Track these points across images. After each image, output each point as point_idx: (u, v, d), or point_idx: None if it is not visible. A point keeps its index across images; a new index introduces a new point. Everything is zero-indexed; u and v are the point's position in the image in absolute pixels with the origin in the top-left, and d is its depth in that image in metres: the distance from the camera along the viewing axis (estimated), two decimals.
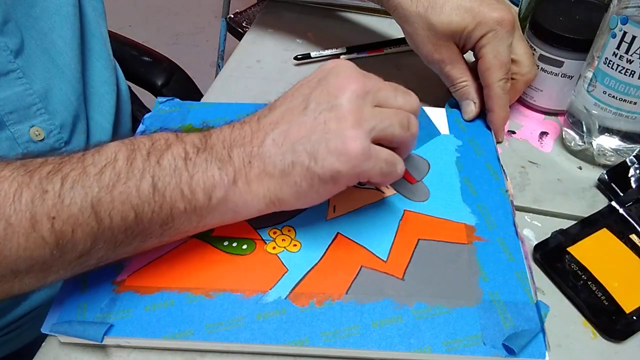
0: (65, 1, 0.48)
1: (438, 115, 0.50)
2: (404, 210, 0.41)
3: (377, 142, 0.35)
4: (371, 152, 0.34)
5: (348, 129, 0.34)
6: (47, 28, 0.48)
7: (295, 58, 0.60)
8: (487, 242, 0.39)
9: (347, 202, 0.42)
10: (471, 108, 0.49)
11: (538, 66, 0.51)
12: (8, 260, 0.30)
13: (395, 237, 0.39)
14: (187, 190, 0.33)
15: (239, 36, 1.40)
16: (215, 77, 0.59)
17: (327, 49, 0.60)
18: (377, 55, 0.61)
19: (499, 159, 0.46)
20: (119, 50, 0.57)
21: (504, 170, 0.45)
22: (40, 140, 0.47)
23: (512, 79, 0.48)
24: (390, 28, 0.65)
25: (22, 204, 0.30)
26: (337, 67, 0.36)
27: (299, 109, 0.35)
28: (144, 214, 0.32)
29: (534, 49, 0.50)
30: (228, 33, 1.46)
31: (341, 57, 0.59)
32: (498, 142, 0.48)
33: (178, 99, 0.51)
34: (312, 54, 0.60)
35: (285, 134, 0.35)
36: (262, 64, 0.60)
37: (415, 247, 0.39)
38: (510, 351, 0.33)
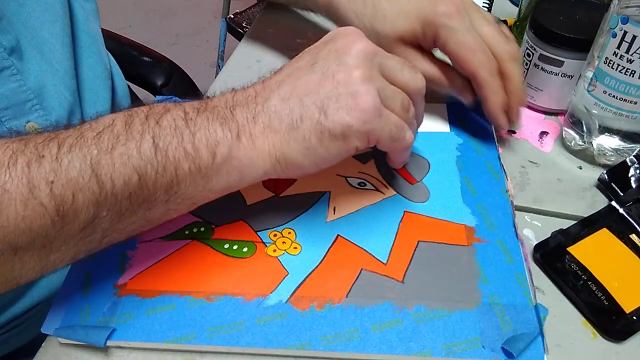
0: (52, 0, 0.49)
1: (437, 112, 0.50)
2: (404, 212, 0.41)
3: None
4: (382, 111, 0.34)
5: (358, 84, 0.33)
6: (38, 25, 0.48)
7: None
8: (487, 243, 0.39)
9: (347, 203, 0.42)
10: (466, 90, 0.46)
11: (538, 66, 0.51)
12: (6, 231, 0.28)
13: (395, 239, 0.39)
14: (190, 148, 0.32)
15: (239, 36, 1.40)
16: (215, 77, 0.59)
17: None
18: None
19: (499, 158, 0.46)
20: (119, 50, 0.57)
21: (504, 170, 0.45)
22: None
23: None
24: None
25: (17, 169, 0.28)
26: (345, 29, 0.36)
27: (307, 67, 0.35)
28: (148, 176, 0.31)
29: (534, 49, 0.50)
30: (228, 33, 1.45)
31: None
32: (500, 132, 0.46)
33: (177, 98, 0.51)
34: None
35: (292, 90, 0.34)
36: (262, 64, 0.60)
37: (415, 250, 0.39)
38: (509, 354, 0.33)
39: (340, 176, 0.44)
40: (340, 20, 0.49)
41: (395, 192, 0.43)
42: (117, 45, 0.77)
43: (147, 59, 0.80)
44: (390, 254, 0.38)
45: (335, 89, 0.33)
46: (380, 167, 0.45)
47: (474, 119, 0.49)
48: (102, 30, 0.59)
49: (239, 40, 0.67)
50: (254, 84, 0.36)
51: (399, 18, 0.44)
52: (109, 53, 0.60)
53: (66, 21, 0.50)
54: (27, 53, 0.47)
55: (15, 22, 0.46)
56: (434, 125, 0.49)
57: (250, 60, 0.60)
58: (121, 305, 0.35)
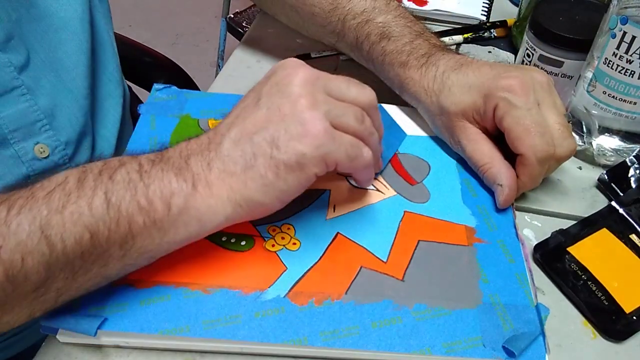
0: (72, 16, 0.48)
1: (401, 115, 0.50)
2: (404, 212, 0.41)
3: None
4: (334, 133, 0.33)
5: (304, 112, 0.33)
6: (54, 44, 0.47)
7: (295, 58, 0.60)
8: (487, 244, 0.39)
9: (347, 202, 0.42)
10: (499, 192, 0.42)
11: (538, 66, 0.51)
12: None
13: (395, 238, 0.39)
14: (143, 201, 0.31)
15: (239, 36, 1.40)
16: (215, 77, 0.59)
17: (327, 49, 0.60)
18: None
19: None
20: (119, 50, 0.57)
21: None
22: (45, 158, 0.46)
23: None
24: None
25: None
26: (285, 62, 0.36)
27: (253, 105, 0.35)
28: (100, 233, 0.30)
29: (534, 49, 0.50)
30: (228, 33, 1.46)
31: (341, 57, 0.59)
32: (501, 207, 0.42)
33: (175, 87, 0.51)
34: (312, 54, 0.60)
35: (242, 131, 0.34)
36: (262, 64, 0.60)
37: (415, 249, 0.39)
38: (510, 354, 0.33)
39: (341, 175, 0.44)
40: (411, 97, 0.47)
41: (395, 193, 0.43)
42: (117, 45, 0.77)
43: (147, 59, 0.80)
44: (390, 252, 0.38)
45: (282, 121, 0.33)
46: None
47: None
48: None
49: (239, 40, 0.67)
50: (207, 132, 0.36)
51: (463, 91, 0.43)
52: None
53: (85, 38, 0.49)
54: (39, 71, 0.46)
55: (30, 39, 0.45)
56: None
57: (250, 60, 0.60)
58: (114, 295, 0.35)
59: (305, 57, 0.59)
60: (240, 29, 1.42)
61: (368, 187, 0.43)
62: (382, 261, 0.38)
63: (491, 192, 0.43)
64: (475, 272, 0.37)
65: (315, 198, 0.42)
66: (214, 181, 0.33)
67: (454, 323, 0.34)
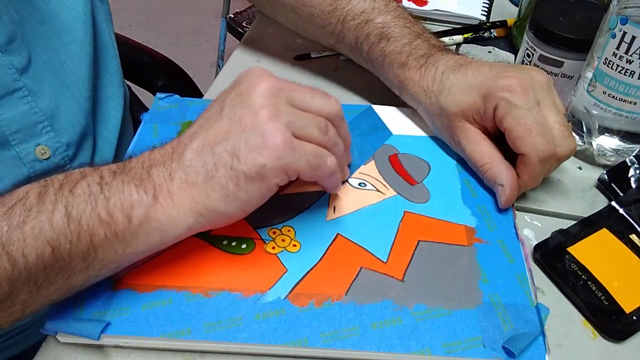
0: (75, 19, 0.48)
1: (389, 114, 0.50)
2: (404, 212, 0.41)
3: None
4: (294, 144, 0.33)
5: (265, 123, 0.33)
6: (56, 47, 0.47)
7: (295, 58, 0.60)
8: (487, 244, 0.39)
9: (347, 203, 0.42)
10: (500, 192, 0.41)
11: (537, 66, 0.51)
12: None
13: (395, 238, 0.39)
14: (104, 214, 0.32)
15: (239, 36, 1.40)
16: (215, 77, 0.59)
17: (327, 49, 0.60)
18: None
19: None
20: (119, 50, 0.57)
21: None
22: (46, 159, 0.47)
23: None
24: None
25: None
26: (250, 71, 0.36)
27: (216, 115, 0.35)
28: (61, 247, 0.31)
29: (534, 49, 0.50)
30: (228, 33, 1.46)
31: (341, 57, 0.59)
32: (503, 207, 0.42)
33: (177, 95, 0.51)
34: (312, 54, 0.60)
35: (204, 141, 0.34)
36: (262, 64, 0.60)
37: (415, 249, 0.39)
38: (510, 354, 0.33)
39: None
40: (411, 98, 0.47)
41: (395, 193, 0.43)
42: (117, 45, 0.77)
43: (147, 59, 0.80)
44: (390, 252, 0.38)
45: (243, 132, 0.33)
46: (381, 168, 0.45)
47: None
48: None
49: (239, 40, 0.67)
50: (171, 141, 0.36)
51: (463, 92, 0.43)
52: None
53: (87, 41, 0.49)
54: (41, 74, 0.46)
55: (32, 41, 0.45)
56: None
57: (250, 60, 0.60)
58: (116, 299, 0.35)
59: (305, 57, 0.60)
60: (240, 29, 1.42)
61: (369, 189, 0.43)
62: (382, 261, 0.38)
63: (491, 192, 0.43)
64: (475, 272, 0.37)
65: (315, 200, 0.42)
66: (175, 191, 0.33)
67: (454, 323, 0.34)
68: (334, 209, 0.41)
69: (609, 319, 0.37)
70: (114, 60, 0.55)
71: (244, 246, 0.39)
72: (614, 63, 0.43)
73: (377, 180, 0.44)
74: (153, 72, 0.79)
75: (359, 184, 0.43)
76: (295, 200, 0.42)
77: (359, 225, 0.40)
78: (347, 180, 0.43)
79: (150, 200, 0.33)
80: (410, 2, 0.67)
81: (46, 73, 0.47)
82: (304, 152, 0.34)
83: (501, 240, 0.39)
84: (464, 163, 0.45)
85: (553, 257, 0.40)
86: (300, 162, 0.34)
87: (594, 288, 0.38)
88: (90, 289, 0.36)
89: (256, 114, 0.33)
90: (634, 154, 0.45)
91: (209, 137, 0.34)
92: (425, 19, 0.66)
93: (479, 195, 0.43)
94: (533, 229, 0.43)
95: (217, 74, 0.96)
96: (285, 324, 0.34)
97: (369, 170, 0.45)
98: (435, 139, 0.48)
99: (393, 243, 0.39)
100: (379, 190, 0.43)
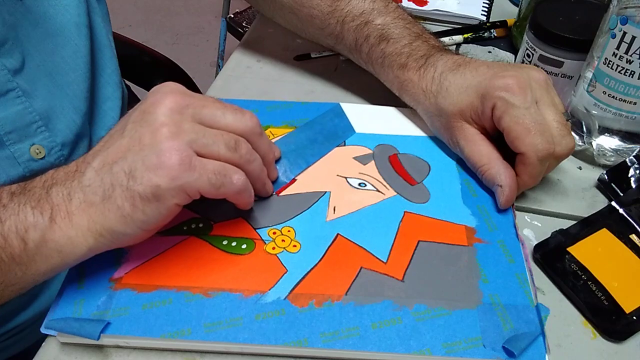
0: (69, 21, 0.48)
1: (357, 112, 0.50)
2: (404, 212, 0.41)
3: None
4: (193, 163, 0.32)
5: (163, 142, 0.32)
6: (50, 49, 0.47)
7: (295, 58, 0.60)
8: (487, 244, 0.39)
9: (347, 203, 0.42)
10: (499, 192, 0.41)
11: (537, 66, 0.51)
12: None
13: (395, 238, 0.39)
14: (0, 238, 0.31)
15: (239, 36, 1.40)
16: (215, 77, 0.59)
17: (327, 49, 0.60)
18: None
19: None
20: (119, 50, 0.57)
21: None
22: (41, 159, 0.47)
23: None
24: None
25: None
26: (159, 87, 0.35)
27: (119, 133, 0.34)
28: None
29: (534, 50, 0.50)
30: (228, 33, 1.46)
31: (340, 57, 0.59)
32: (503, 208, 0.42)
33: None
34: (312, 54, 0.60)
35: (104, 159, 0.33)
36: (262, 64, 0.60)
37: (415, 249, 0.39)
38: (510, 354, 0.33)
39: (340, 177, 0.44)
40: (411, 99, 0.47)
41: (395, 193, 0.43)
42: (117, 45, 0.77)
43: (146, 58, 0.80)
44: (390, 252, 0.38)
45: (141, 150, 0.32)
46: (381, 168, 0.45)
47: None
48: None
49: (239, 40, 0.67)
50: (77, 159, 0.35)
51: (460, 92, 0.43)
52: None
53: (82, 42, 0.49)
54: (35, 75, 0.46)
55: (26, 43, 0.45)
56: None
57: (250, 60, 0.60)
58: (116, 299, 0.35)
59: (305, 57, 0.60)
60: (240, 29, 1.42)
61: (369, 189, 0.43)
62: (382, 262, 0.38)
63: (491, 193, 0.43)
64: (475, 272, 0.37)
65: (316, 200, 0.42)
66: (74, 211, 0.33)
67: (454, 323, 0.34)
68: (334, 209, 0.41)
69: (609, 319, 0.37)
70: (111, 60, 0.55)
71: (244, 246, 0.39)
72: (614, 63, 0.43)
73: (377, 180, 0.44)
74: (153, 72, 0.79)
75: (359, 184, 0.43)
76: (295, 201, 0.42)
77: (359, 226, 0.40)
78: (347, 181, 0.43)
79: (47, 221, 0.32)
80: (410, 2, 0.67)
81: (40, 74, 0.47)
82: (204, 171, 0.33)
83: (501, 240, 0.39)
84: (464, 163, 0.45)
85: (553, 257, 0.40)
86: (200, 181, 0.33)
87: (594, 288, 0.38)
88: (90, 289, 0.36)
89: (155, 132, 0.33)
90: (634, 154, 0.45)
91: (109, 156, 0.33)
92: (425, 19, 0.66)
93: (479, 196, 0.43)
94: (533, 229, 0.43)
95: (217, 74, 0.96)
96: (285, 324, 0.34)
97: (369, 170, 0.45)
98: (435, 139, 0.48)
99: (393, 243, 0.39)
100: (379, 191, 0.43)
